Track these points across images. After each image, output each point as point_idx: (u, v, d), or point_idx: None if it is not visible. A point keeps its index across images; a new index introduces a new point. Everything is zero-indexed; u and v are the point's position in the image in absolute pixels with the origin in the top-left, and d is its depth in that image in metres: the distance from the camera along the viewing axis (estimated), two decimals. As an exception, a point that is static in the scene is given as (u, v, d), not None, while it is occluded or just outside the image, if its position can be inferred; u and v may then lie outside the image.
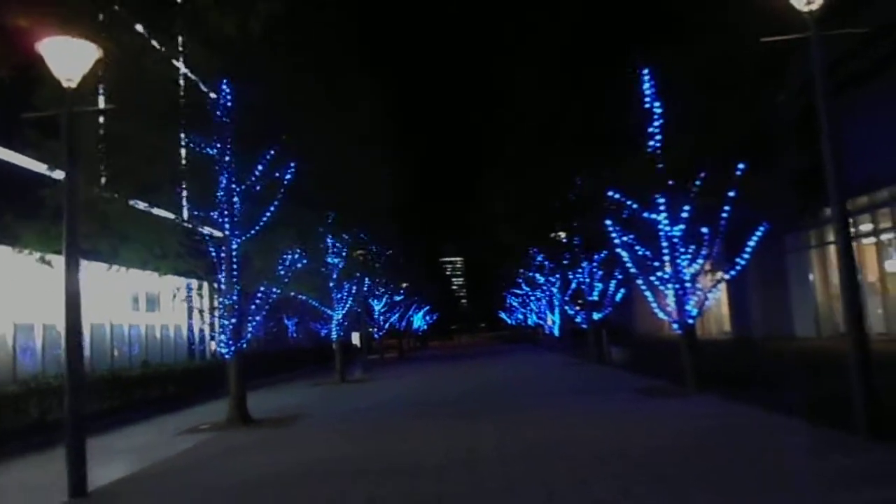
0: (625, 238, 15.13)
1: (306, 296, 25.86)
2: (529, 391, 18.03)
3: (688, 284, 14.65)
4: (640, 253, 15.14)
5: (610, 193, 15.14)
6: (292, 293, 26.32)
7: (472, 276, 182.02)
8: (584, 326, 26.84)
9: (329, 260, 25.14)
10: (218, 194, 14.86)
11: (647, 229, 15.17)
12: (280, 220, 15.18)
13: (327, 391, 23.19)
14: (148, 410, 18.51)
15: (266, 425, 14.52)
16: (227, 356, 15.03)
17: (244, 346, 15.23)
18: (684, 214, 14.49)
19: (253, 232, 15.05)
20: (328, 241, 24.68)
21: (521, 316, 60.76)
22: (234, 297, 15.01)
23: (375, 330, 40.29)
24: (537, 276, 31.26)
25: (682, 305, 14.79)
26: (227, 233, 15.02)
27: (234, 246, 14.99)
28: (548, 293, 36.57)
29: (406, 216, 40.05)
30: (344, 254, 25.58)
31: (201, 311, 15.14)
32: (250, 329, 15.33)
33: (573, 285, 28.82)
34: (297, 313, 40.31)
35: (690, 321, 14.85)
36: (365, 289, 29.75)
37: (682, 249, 14.74)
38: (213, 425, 14.86)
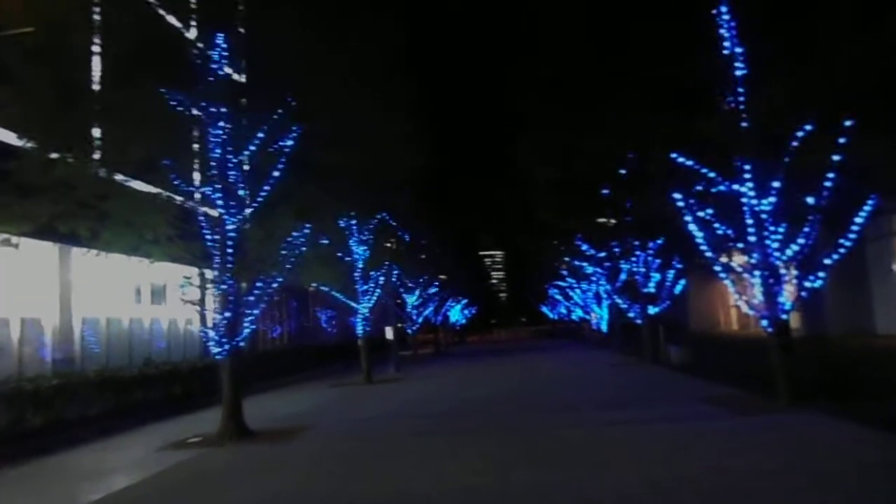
0: (701, 213, 12.28)
1: (326, 286, 23.61)
2: (577, 400, 15.26)
3: (781, 271, 11.79)
4: (719, 232, 12.29)
5: (680, 160, 12.32)
6: (313, 284, 24.18)
7: (512, 270, 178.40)
8: (638, 322, 23.92)
9: (353, 246, 22.70)
10: (210, 164, 12.50)
11: (727, 204, 12.36)
12: (281, 197, 12.77)
13: (349, 393, 20.81)
14: (145, 415, 16.33)
15: (262, 440, 12.15)
16: (219, 357, 12.66)
17: (240, 344, 12.85)
18: (775, 184, 11.66)
19: (250, 210, 12.68)
20: (351, 226, 22.30)
21: (563, 310, 57.66)
22: (229, 287, 12.65)
23: (408, 324, 37.81)
24: (585, 265, 28.24)
25: (772, 297, 11.95)
26: (220, 211, 12.65)
27: (230, 226, 12.61)
28: (594, 285, 33.62)
29: (435, 197, 37.41)
30: (370, 240, 23.08)
31: (193, 303, 12.72)
32: (247, 324, 12.93)
33: (622, 276, 25.91)
34: (331, 307, 38.19)
35: (784, 316, 11.99)
36: (394, 280, 27.22)
37: (772, 228, 11.89)
38: (204, 438, 12.57)
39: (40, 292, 16.40)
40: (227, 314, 12.61)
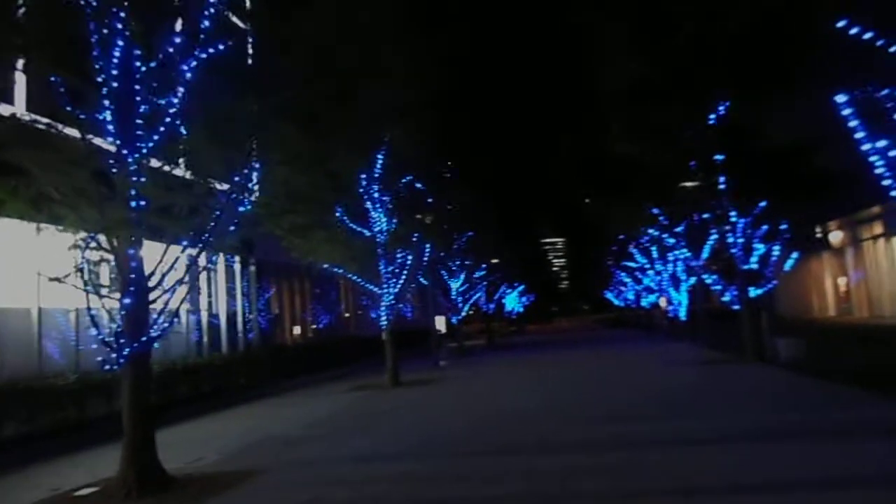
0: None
1: (341, 268, 19.28)
2: (678, 427, 10.22)
3: None
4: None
5: (853, 31, 7.26)
6: (325, 265, 19.78)
7: (574, 257, 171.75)
8: (734, 307, 18.65)
9: (372, 216, 18.18)
10: (99, 68, 8.06)
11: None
12: (203, 120, 8.28)
13: (364, 402, 16.33)
14: (76, 438, 12.29)
15: (174, 498, 7.72)
16: (114, 365, 8.23)
17: (149, 345, 8.41)
18: None
19: (156, 139, 8.19)
20: (369, 189, 17.79)
21: (631, 296, 51.99)
22: (129, 258, 8.23)
23: (452, 313, 33.06)
24: (665, 236, 22.62)
25: None
26: (116, 143, 8.23)
27: (132, 165, 8.17)
28: (671, 265, 28.27)
29: (482, 170, 32.35)
30: (389, 206, 18.53)
31: (61, 282, 8.28)
32: (160, 315, 8.48)
33: (706, 248, 20.52)
34: (369, 296, 33.75)
35: None
36: (426, 259, 22.49)
37: None
38: (103, 488, 8.28)
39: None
40: (127, 300, 8.19)
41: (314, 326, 31.43)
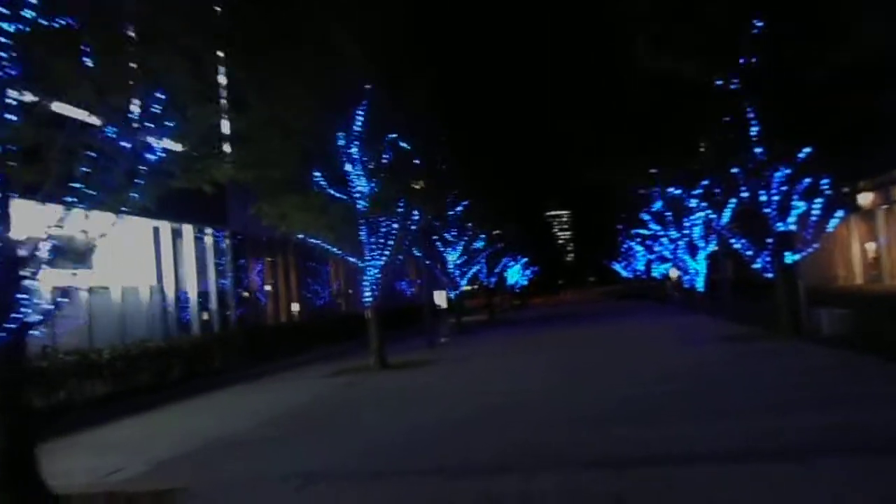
0: None
1: (317, 238, 17.15)
2: (703, 432, 7.75)
3: None
4: None
5: None
6: (300, 235, 17.59)
7: (580, 228, 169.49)
8: (768, 275, 16.35)
9: (352, 178, 15.99)
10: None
11: None
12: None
13: (341, 390, 14.26)
14: None
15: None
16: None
17: (20, 333, 6.23)
18: None
19: (13, 56, 5.92)
20: (347, 148, 15.59)
21: (641, 266, 49.63)
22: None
23: (450, 287, 30.82)
24: (689, 199, 19.99)
25: None
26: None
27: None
28: (688, 230, 25.95)
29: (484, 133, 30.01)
30: (371, 167, 16.33)
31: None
32: (34, 297, 6.28)
33: (728, 208, 17.94)
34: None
35: None
36: (415, 227, 20.15)
37: None
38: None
39: None
40: (-19, 275, 5.99)
41: (303, 304, 29.33)
